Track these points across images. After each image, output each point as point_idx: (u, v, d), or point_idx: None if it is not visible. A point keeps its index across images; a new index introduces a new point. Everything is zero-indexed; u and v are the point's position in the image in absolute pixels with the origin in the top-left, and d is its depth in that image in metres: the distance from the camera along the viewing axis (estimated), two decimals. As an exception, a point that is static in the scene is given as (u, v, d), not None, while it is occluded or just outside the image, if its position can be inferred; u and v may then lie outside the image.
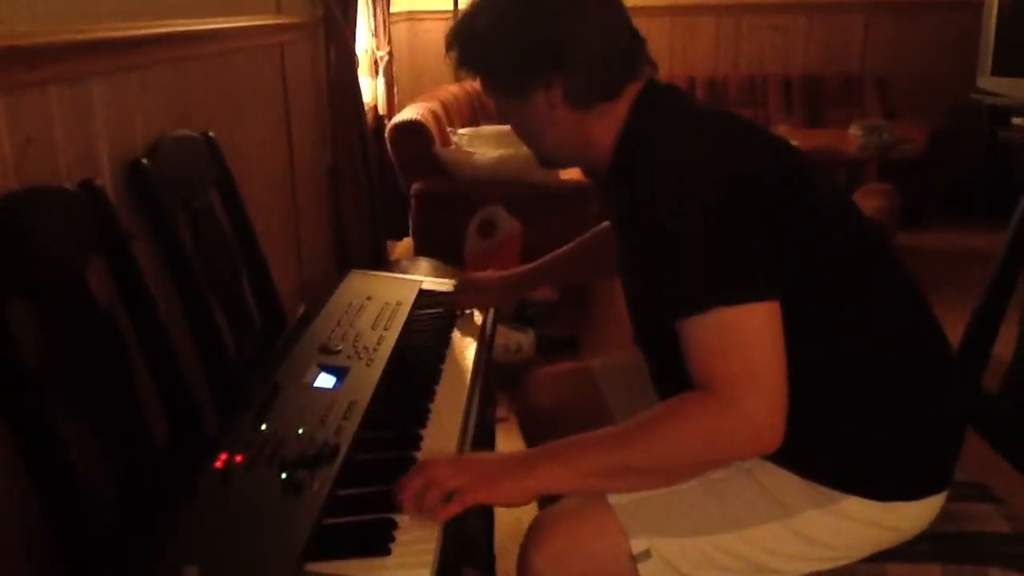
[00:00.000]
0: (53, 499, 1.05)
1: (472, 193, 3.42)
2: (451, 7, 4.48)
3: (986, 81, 4.62)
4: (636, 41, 1.21)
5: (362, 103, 3.13)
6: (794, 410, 1.02)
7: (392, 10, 4.03)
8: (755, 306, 1.02)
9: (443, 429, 1.24)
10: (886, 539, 1.16)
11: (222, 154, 1.74)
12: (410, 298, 1.70)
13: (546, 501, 1.26)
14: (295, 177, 2.52)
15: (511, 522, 1.88)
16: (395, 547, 0.98)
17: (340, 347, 1.43)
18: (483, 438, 1.69)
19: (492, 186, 3.44)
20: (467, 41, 1.22)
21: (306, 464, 1.09)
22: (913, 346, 1.18)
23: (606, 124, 1.19)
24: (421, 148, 3.62)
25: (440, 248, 3.19)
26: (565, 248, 1.69)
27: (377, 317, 1.58)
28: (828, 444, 1.13)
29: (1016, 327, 1.40)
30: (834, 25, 5.17)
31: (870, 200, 3.41)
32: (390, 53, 3.85)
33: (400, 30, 4.66)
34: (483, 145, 3.68)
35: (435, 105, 4.00)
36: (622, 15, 1.20)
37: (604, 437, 1.10)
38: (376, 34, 3.74)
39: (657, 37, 5.08)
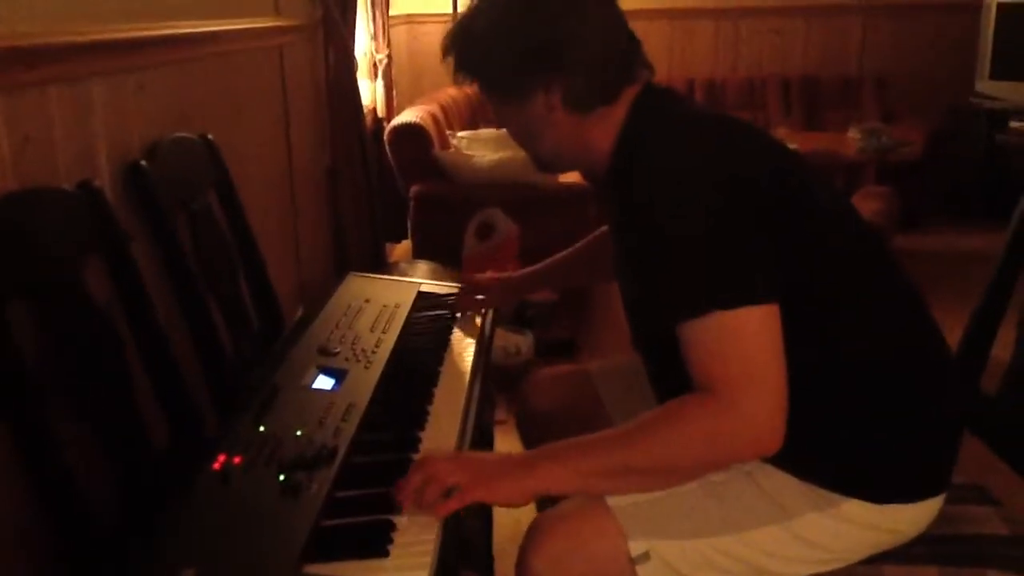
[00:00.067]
0: (51, 499, 1.05)
1: (471, 195, 3.41)
2: (450, 10, 4.49)
3: (984, 85, 4.64)
4: (633, 43, 1.21)
5: (361, 105, 3.13)
6: (793, 412, 1.02)
7: (391, 13, 4.03)
8: (754, 309, 1.02)
9: (441, 431, 1.24)
10: (884, 541, 1.16)
11: (221, 156, 1.74)
12: (409, 300, 1.70)
13: (545, 503, 1.26)
14: (294, 179, 2.52)
15: (510, 524, 1.88)
16: (393, 549, 0.98)
17: (339, 349, 1.43)
18: (481, 440, 1.69)
19: (490, 188, 3.44)
20: (466, 43, 1.21)
21: (304, 466, 1.09)
22: (911, 348, 1.18)
23: (604, 128, 1.19)
24: (420, 151, 3.62)
25: (439, 250, 3.17)
26: (565, 252, 1.69)
27: (376, 319, 1.58)
28: (827, 446, 1.13)
29: (1014, 329, 1.40)
30: (832, 28, 5.18)
31: (868, 202, 3.41)
32: (389, 56, 3.86)
33: (399, 33, 4.66)
34: (482, 148, 3.69)
35: (434, 108, 4.00)
36: (620, 17, 1.20)
37: (604, 438, 1.10)
38: (375, 37, 3.74)
39: (656, 40, 5.09)
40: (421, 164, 3.62)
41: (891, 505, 1.13)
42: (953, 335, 1.35)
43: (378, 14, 3.72)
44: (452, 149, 3.76)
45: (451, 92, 4.39)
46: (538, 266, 1.71)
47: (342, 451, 1.13)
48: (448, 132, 3.93)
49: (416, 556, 0.97)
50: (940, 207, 4.75)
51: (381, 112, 3.83)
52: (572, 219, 3.36)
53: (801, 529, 1.12)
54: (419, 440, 1.21)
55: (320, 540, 0.98)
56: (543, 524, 1.14)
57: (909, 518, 1.16)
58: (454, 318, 1.67)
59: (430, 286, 1.82)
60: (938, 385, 1.19)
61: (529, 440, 1.58)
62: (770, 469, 1.13)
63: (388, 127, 3.69)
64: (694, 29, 5.26)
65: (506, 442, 2.05)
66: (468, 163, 3.60)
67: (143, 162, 1.43)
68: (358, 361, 1.40)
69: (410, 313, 1.64)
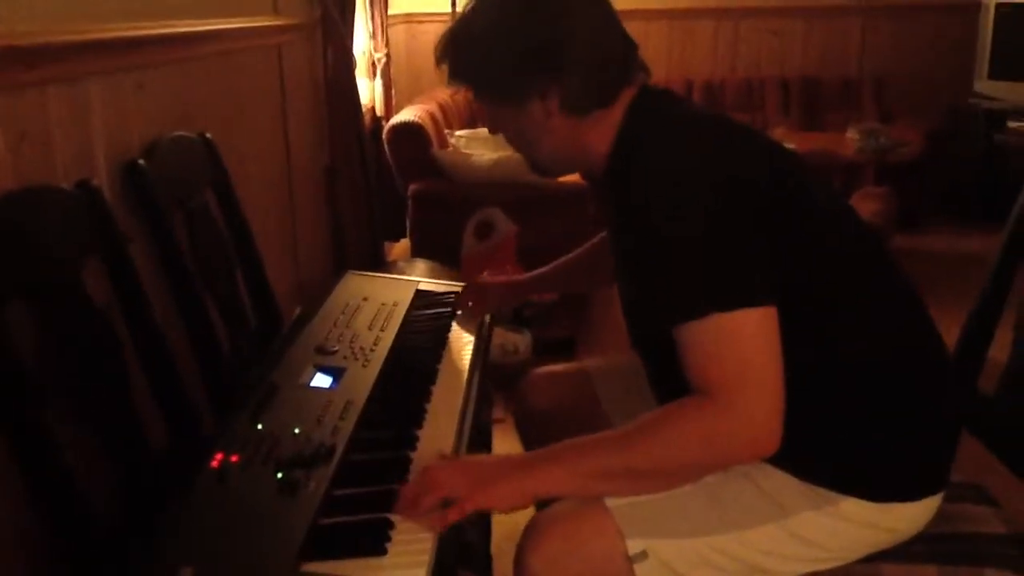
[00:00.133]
0: (50, 500, 1.05)
1: (469, 195, 3.42)
2: (449, 9, 4.48)
3: (983, 85, 4.64)
4: (629, 45, 1.21)
5: (360, 104, 3.13)
6: (791, 412, 1.02)
7: (390, 12, 4.03)
8: (751, 311, 1.02)
9: (439, 430, 1.24)
10: (882, 540, 1.16)
11: (219, 155, 1.73)
12: (407, 299, 1.71)
13: (543, 503, 1.26)
14: (292, 177, 2.52)
15: (508, 523, 1.87)
16: (391, 547, 0.98)
17: (337, 348, 1.43)
18: (479, 439, 1.69)
19: (489, 188, 3.44)
20: (463, 47, 1.20)
21: (302, 464, 1.09)
22: (909, 349, 1.18)
23: (601, 131, 1.19)
24: (419, 150, 3.62)
25: (437, 249, 3.18)
26: (566, 257, 1.69)
27: (374, 318, 1.58)
28: (825, 446, 1.13)
29: (1012, 330, 1.40)
30: (832, 28, 5.18)
31: (867, 203, 3.41)
32: (388, 55, 3.85)
33: (398, 32, 4.66)
34: (480, 147, 3.69)
35: (433, 107, 4.00)
36: (615, 18, 1.20)
37: (603, 440, 1.10)
38: (374, 36, 3.74)
39: (655, 40, 5.09)
40: (420, 163, 3.62)
41: (889, 504, 1.13)
42: (951, 335, 1.35)
43: (377, 13, 3.72)
44: (451, 148, 3.76)
45: (449, 91, 4.38)
46: (542, 270, 1.72)
47: (340, 449, 1.13)
48: (447, 131, 3.93)
49: (414, 554, 0.97)
50: (939, 207, 4.75)
51: (380, 111, 3.83)
52: (571, 218, 3.37)
53: (799, 528, 1.12)
54: (417, 438, 1.21)
55: (318, 538, 0.98)
56: (541, 523, 1.14)
57: (907, 517, 1.16)
58: (453, 316, 1.67)
59: (428, 285, 1.83)
60: (936, 385, 1.20)
61: (527, 439, 1.58)
62: (768, 468, 1.13)
63: (387, 126, 3.69)
64: (693, 29, 5.26)
65: (504, 441, 2.05)
66: (467, 162, 3.60)
67: (141, 161, 1.43)
68: (356, 359, 1.40)
69: (408, 312, 1.64)
